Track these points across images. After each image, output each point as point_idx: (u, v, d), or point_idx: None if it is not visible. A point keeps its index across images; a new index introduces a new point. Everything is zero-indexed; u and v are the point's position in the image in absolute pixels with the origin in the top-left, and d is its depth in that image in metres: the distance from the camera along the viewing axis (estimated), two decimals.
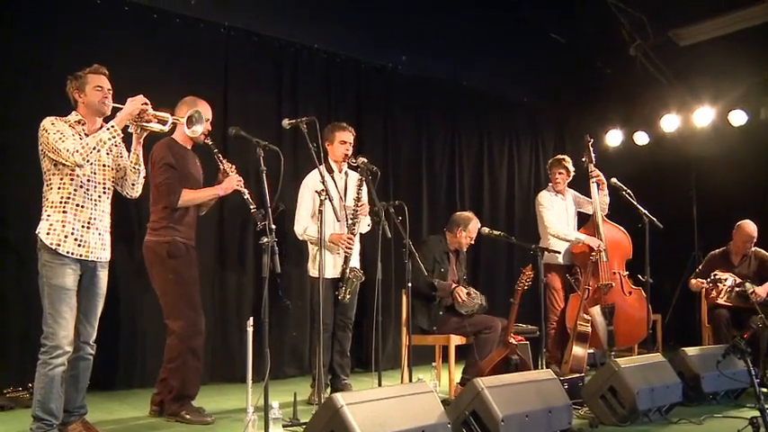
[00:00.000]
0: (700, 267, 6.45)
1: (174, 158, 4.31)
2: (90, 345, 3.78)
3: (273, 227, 3.47)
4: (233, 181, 4.36)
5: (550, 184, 6.55)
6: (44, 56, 5.17)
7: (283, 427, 3.58)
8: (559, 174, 6.45)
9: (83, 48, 5.18)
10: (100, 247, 3.74)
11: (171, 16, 5.89)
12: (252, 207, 4.13)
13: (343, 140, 5.14)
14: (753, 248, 6.23)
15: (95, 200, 3.73)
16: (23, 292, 4.83)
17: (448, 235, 5.64)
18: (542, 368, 5.64)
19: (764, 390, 4.99)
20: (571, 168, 6.48)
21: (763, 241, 6.51)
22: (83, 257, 3.64)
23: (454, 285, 5.38)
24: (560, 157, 6.57)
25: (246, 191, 4.33)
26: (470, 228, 5.59)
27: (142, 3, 5.71)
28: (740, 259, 6.22)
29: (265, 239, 3.40)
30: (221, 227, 6.10)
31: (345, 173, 5.21)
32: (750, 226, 6.24)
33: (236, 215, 6.07)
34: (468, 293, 5.36)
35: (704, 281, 6.08)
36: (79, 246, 3.63)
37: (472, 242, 5.69)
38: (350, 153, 5.13)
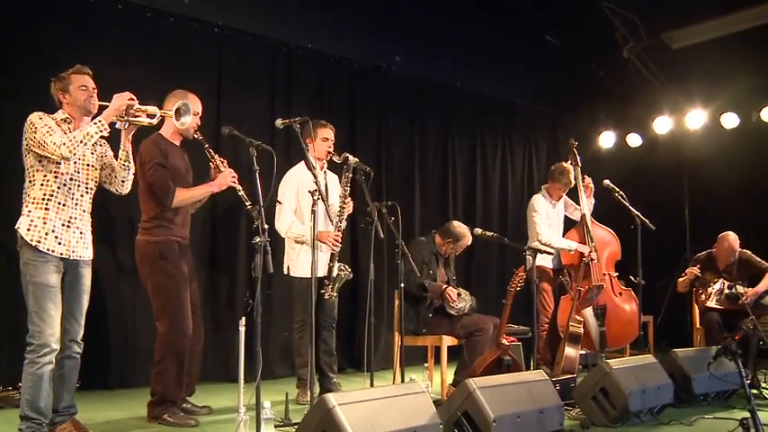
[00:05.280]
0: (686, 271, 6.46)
1: (162, 156, 4.26)
2: (77, 343, 3.76)
3: (266, 226, 3.45)
4: (227, 177, 4.30)
5: (544, 189, 6.55)
6: (35, 55, 5.14)
7: (275, 427, 3.56)
8: (562, 190, 6.46)
9: (75, 47, 5.17)
10: (82, 247, 3.73)
11: (164, 15, 5.87)
12: (247, 203, 4.05)
13: (325, 137, 5.09)
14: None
15: (77, 199, 3.72)
16: (12, 290, 4.78)
17: (437, 238, 5.61)
18: (534, 369, 5.68)
19: (754, 391, 5.02)
20: (573, 181, 6.48)
21: (753, 243, 6.56)
22: (63, 256, 3.62)
23: (445, 286, 5.37)
24: (566, 168, 6.47)
25: (241, 186, 4.28)
26: (459, 245, 5.56)
27: (135, 1, 5.69)
28: (726, 264, 6.24)
29: (258, 239, 3.39)
30: (213, 226, 6.08)
31: (325, 172, 5.16)
32: (730, 237, 6.23)
33: (228, 214, 6.06)
34: (458, 294, 5.36)
35: (695, 269, 6.10)
36: (59, 244, 3.61)
37: (454, 254, 5.68)
38: (332, 150, 5.08)
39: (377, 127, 7.37)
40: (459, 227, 5.60)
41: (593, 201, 6.54)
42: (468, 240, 5.59)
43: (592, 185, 6.49)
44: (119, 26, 5.59)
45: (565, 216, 6.64)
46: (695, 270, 6.12)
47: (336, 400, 2.89)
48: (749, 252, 6.24)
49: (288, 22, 6.58)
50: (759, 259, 6.17)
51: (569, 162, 6.54)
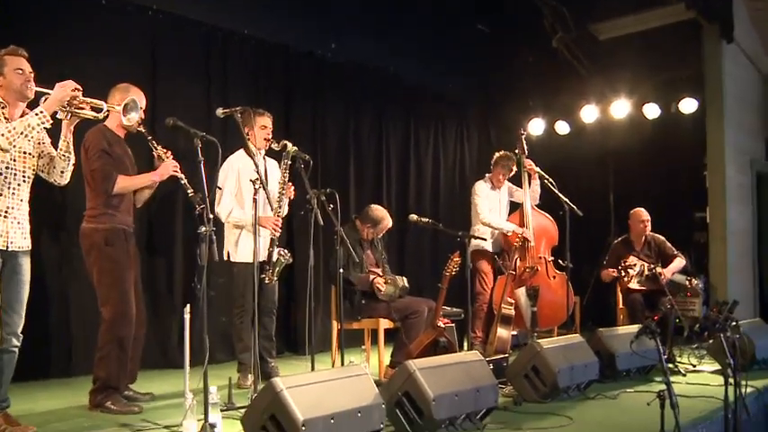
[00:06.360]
0: (607, 258, 6.76)
1: (108, 145, 4.25)
2: (17, 335, 3.65)
3: (212, 216, 3.49)
4: (169, 166, 4.31)
5: (488, 176, 6.74)
6: None
7: (221, 411, 3.63)
8: (503, 175, 6.66)
9: (2, 30, 5.02)
10: (20, 237, 3.64)
11: None
12: (189, 191, 4.07)
13: (263, 125, 5.13)
14: (650, 234, 6.63)
15: (14, 188, 3.61)
16: None
17: (357, 223, 5.71)
18: (468, 349, 5.89)
19: (670, 366, 5.37)
20: (514, 169, 6.70)
21: (671, 228, 6.96)
22: (0, 247, 3.53)
23: (372, 277, 5.46)
24: (508, 155, 6.68)
25: (183, 175, 4.28)
26: (379, 228, 5.68)
27: None
28: (641, 245, 6.63)
29: (204, 229, 3.42)
30: (150, 213, 6.02)
31: (264, 158, 5.20)
32: (641, 209, 6.69)
33: (165, 202, 6.01)
34: (386, 281, 5.45)
35: (614, 270, 6.45)
36: None
37: (377, 236, 5.79)
38: (270, 137, 5.13)
39: (312, 113, 7.40)
40: (377, 210, 5.72)
41: (537, 182, 6.75)
42: (388, 222, 5.72)
43: (536, 170, 6.71)
44: (48, 10, 5.42)
45: (513, 202, 6.86)
46: (612, 272, 6.46)
47: (284, 384, 2.99)
48: (663, 237, 6.68)
49: (222, 7, 6.51)
50: (670, 245, 6.65)
51: (516, 150, 6.76)
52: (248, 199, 4.55)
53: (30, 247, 3.74)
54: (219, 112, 4.33)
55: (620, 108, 8.67)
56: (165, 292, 6.11)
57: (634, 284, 6.38)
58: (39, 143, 3.79)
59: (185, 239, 6.11)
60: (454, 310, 6.09)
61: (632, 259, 6.45)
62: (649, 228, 6.63)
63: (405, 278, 5.62)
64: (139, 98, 4.27)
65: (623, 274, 6.33)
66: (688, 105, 8.32)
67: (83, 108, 3.79)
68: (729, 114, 8.02)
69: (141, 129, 4.31)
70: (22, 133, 3.49)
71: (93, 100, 3.84)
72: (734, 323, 4.33)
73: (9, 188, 3.60)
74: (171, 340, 6.02)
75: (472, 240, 5.64)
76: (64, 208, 5.36)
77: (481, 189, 6.65)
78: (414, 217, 5.61)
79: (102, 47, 5.67)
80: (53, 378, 5.30)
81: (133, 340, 4.36)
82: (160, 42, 6.15)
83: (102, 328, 4.27)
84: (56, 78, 3.72)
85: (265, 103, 6.40)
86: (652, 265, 6.37)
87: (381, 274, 5.62)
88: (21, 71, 3.61)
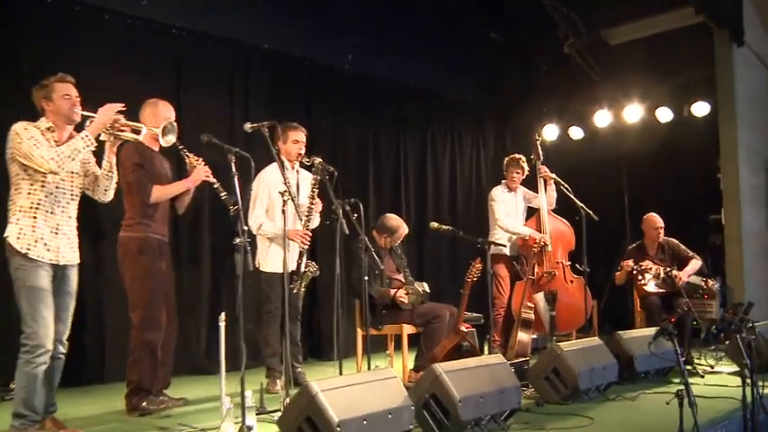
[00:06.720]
0: (622, 263, 6.81)
1: (141, 159, 4.46)
2: (63, 343, 3.87)
3: (246, 228, 3.66)
4: (200, 172, 4.51)
5: (504, 181, 6.87)
6: None
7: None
8: (516, 174, 6.77)
9: (33, 49, 5.21)
10: (70, 252, 3.86)
11: (122, 17, 5.94)
12: (223, 194, 4.27)
13: (296, 140, 5.27)
14: (663, 238, 6.70)
15: (64, 206, 3.83)
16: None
17: (374, 233, 5.82)
18: (489, 353, 6.01)
19: (688, 367, 5.45)
20: (526, 168, 6.81)
21: (685, 230, 7.04)
22: (53, 261, 3.75)
23: (393, 291, 5.54)
24: (517, 157, 6.81)
25: (215, 180, 4.46)
26: (396, 236, 5.79)
27: (93, 3, 5.74)
28: (655, 250, 6.69)
29: (239, 240, 3.60)
30: (176, 222, 6.17)
31: (297, 171, 5.33)
32: (654, 215, 6.73)
33: (192, 213, 6.17)
34: (407, 292, 5.53)
35: (630, 262, 6.51)
36: (48, 251, 3.73)
37: (395, 244, 5.90)
38: (303, 152, 5.26)
39: (332, 124, 7.57)
40: (392, 219, 5.83)
41: (554, 187, 6.86)
42: (405, 230, 5.83)
43: (551, 176, 6.82)
44: (76, 28, 5.64)
45: (529, 207, 6.97)
46: (629, 263, 6.52)
47: (319, 387, 3.14)
48: (676, 241, 6.72)
49: (244, 23, 6.70)
50: (685, 248, 6.67)
51: (531, 156, 6.88)
52: (279, 212, 4.70)
53: (78, 261, 3.96)
54: (247, 126, 4.46)
55: (633, 112, 8.73)
56: (193, 300, 6.27)
57: (651, 287, 6.45)
58: (84, 162, 4.00)
59: (212, 249, 6.29)
60: (474, 314, 6.21)
61: (647, 263, 6.52)
62: (663, 234, 6.70)
63: (425, 283, 5.73)
64: (170, 113, 4.51)
65: (640, 278, 6.41)
66: (700, 108, 8.37)
67: (124, 130, 3.99)
68: (742, 116, 8.06)
69: None
70: (69, 156, 3.71)
71: (133, 123, 4.05)
72: (750, 324, 4.41)
73: (59, 206, 3.82)
74: (199, 348, 6.19)
75: (491, 246, 5.76)
76: (100, 217, 5.51)
77: (497, 194, 6.78)
78: (434, 224, 5.74)
79: (128, 64, 5.87)
80: (87, 384, 5.50)
81: (164, 346, 4.54)
82: (184, 59, 6.34)
83: (132, 333, 4.48)
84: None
85: (287, 117, 6.55)
86: (668, 268, 6.45)
87: (403, 281, 5.74)
88: (68, 96, 3.83)
